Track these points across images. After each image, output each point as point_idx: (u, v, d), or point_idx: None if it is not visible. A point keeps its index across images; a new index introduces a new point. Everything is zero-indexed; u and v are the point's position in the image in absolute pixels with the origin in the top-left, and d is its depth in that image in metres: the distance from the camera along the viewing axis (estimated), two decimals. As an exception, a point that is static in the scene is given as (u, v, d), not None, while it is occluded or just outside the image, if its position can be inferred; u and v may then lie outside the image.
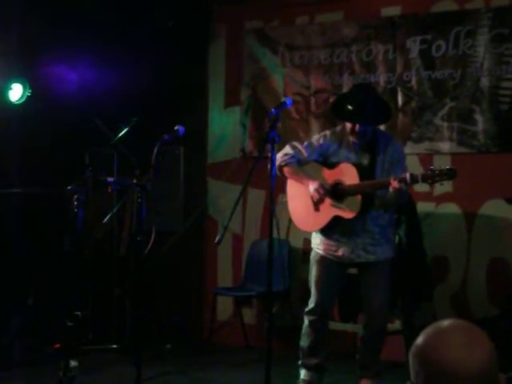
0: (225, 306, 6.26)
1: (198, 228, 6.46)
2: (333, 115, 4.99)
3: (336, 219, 4.29)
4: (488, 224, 5.36)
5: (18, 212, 5.84)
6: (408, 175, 4.00)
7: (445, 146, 5.51)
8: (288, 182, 4.55)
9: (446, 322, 1.48)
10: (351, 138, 4.34)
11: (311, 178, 4.35)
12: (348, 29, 5.90)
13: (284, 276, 5.46)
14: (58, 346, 4.53)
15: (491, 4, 5.36)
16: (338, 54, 5.94)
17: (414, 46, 5.61)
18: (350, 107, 4.27)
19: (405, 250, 5.06)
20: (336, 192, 4.29)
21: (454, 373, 1.39)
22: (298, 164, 4.42)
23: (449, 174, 3.96)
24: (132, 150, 5.22)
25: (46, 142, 5.97)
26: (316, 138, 4.50)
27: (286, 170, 4.44)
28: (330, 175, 4.35)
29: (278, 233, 3.84)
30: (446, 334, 1.45)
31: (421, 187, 5.01)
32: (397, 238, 4.96)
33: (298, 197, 4.45)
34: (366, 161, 4.32)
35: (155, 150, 4.23)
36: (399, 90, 5.67)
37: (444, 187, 5.03)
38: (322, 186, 4.28)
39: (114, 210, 5.64)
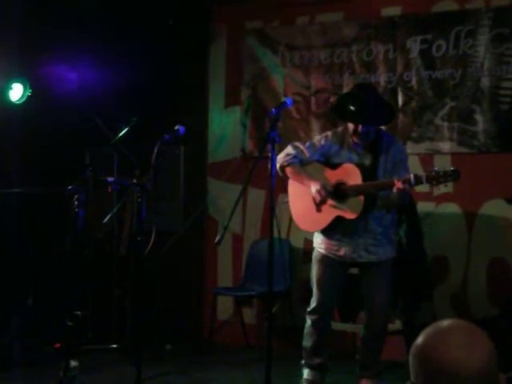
0: (225, 306, 6.26)
1: (198, 228, 6.46)
2: (334, 115, 4.99)
3: (338, 219, 4.28)
4: (488, 224, 5.36)
5: (18, 212, 5.83)
6: (412, 176, 3.98)
7: (445, 146, 5.51)
8: (290, 182, 4.54)
9: (446, 322, 1.47)
10: (353, 139, 4.32)
11: (313, 178, 4.33)
12: (348, 29, 5.89)
13: (285, 276, 5.46)
14: (58, 345, 4.53)
15: (491, 4, 5.36)
16: (339, 53, 5.93)
17: (414, 45, 5.61)
18: (352, 108, 4.26)
19: (405, 250, 5.06)
20: (338, 192, 4.28)
21: (454, 373, 1.39)
22: (300, 164, 4.41)
23: (453, 176, 3.94)
24: (132, 150, 5.23)
25: (46, 142, 5.96)
26: (318, 139, 4.48)
27: (288, 170, 4.43)
28: (332, 175, 4.33)
29: (279, 232, 3.84)
30: (446, 333, 1.44)
31: (421, 187, 5.00)
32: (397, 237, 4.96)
33: (300, 197, 4.43)
34: (367, 161, 4.30)
35: (155, 150, 4.23)
36: (399, 89, 5.67)
37: (444, 187, 5.01)
38: (323, 187, 4.26)
39: (114, 210, 5.64)
